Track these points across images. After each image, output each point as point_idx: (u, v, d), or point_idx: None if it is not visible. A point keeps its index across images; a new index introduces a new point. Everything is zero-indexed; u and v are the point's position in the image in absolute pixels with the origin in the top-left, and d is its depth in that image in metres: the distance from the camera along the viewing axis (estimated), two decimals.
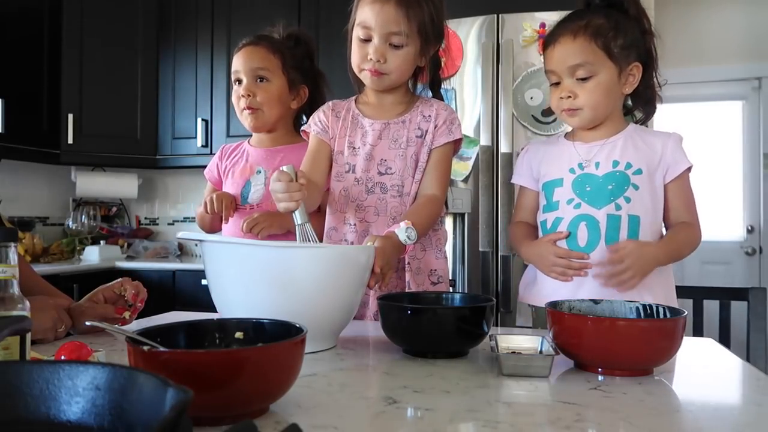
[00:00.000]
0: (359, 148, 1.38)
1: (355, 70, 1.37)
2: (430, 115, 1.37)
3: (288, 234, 1.42)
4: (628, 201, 1.27)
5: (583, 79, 1.27)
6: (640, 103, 1.36)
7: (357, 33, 1.33)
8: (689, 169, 1.30)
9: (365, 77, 1.35)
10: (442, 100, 1.45)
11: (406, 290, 1.33)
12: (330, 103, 1.46)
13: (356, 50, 1.34)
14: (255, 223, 1.41)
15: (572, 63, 1.26)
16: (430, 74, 1.45)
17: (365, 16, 1.30)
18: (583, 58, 1.26)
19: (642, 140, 1.31)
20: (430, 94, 1.47)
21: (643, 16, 1.31)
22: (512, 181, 1.49)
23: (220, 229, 1.59)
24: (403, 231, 1.21)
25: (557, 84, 1.31)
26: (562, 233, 1.28)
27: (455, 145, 1.40)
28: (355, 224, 1.37)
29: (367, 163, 1.36)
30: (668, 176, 1.29)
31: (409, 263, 1.34)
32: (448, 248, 1.65)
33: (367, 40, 1.31)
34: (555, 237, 1.28)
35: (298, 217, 1.16)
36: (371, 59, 1.31)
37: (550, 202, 1.35)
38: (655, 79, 1.34)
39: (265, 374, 0.65)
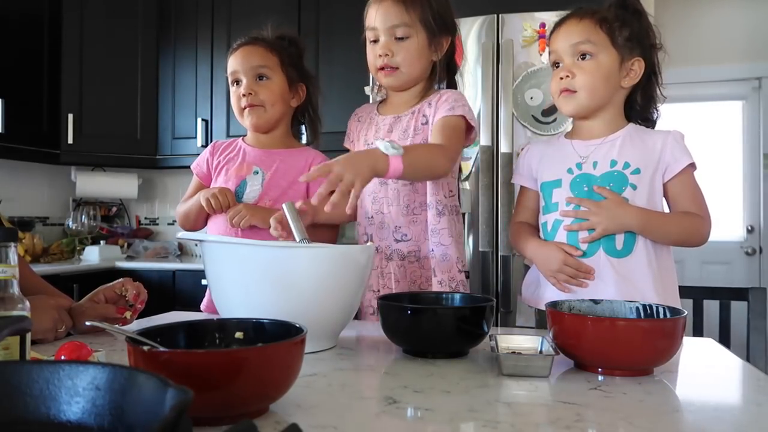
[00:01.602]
0: (372, 144, 1.41)
1: (372, 73, 1.42)
2: (433, 101, 1.38)
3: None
4: (626, 201, 1.27)
5: (584, 58, 1.27)
6: (637, 118, 1.36)
7: (367, 38, 1.40)
8: (693, 165, 1.28)
9: (381, 78, 1.40)
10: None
11: (433, 278, 1.36)
12: (356, 110, 1.55)
13: (369, 54, 1.41)
14: (237, 213, 1.41)
15: (575, 41, 1.28)
16: (444, 71, 1.46)
17: (369, 19, 1.37)
18: (585, 37, 1.27)
19: (641, 139, 1.30)
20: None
21: (652, 32, 1.32)
22: (512, 181, 1.49)
23: (202, 227, 1.56)
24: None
25: (558, 66, 1.32)
26: (577, 251, 1.28)
27: (468, 128, 1.36)
28: (372, 216, 1.41)
29: None
30: (668, 174, 1.28)
31: (432, 250, 1.36)
32: None
33: (376, 41, 1.38)
34: (569, 250, 1.28)
35: (296, 235, 1.20)
36: (380, 56, 1.35)
37: (549, 204, 1.35)
38: (657, 93, 1.34)
39: (265, 374, 0.65)
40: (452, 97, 1.36)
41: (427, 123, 1.37)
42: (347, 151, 1.50)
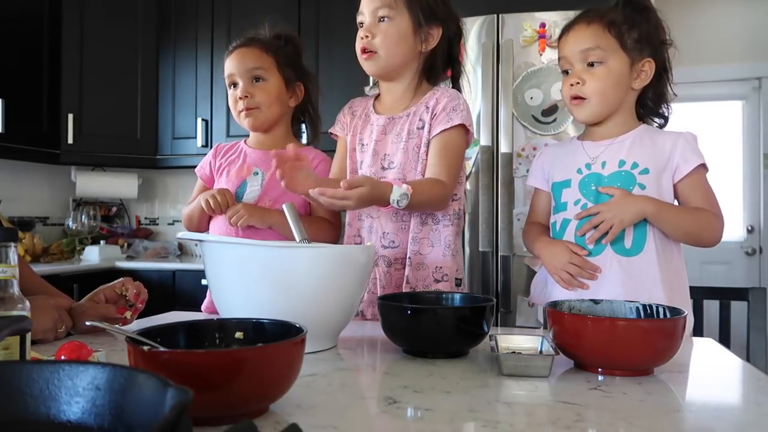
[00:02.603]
0: (367, 144, 1.40)
1: (359, 58, 1.39)
2: (430, 105, 1.35)
3: (269, 229, 1.43)
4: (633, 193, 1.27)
5: (593, 65, 1.27)
6: (649, 114, 1.36)
7: (358, 24, 1.38)
8: (704, 166, 1.28)
9: (363, 64, 1.37)
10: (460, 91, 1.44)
11: (404, 285, 1.34)
12: (350, 101, 1.51)
13: (357, 40, 1.38)
14: (236, 212, 1.41)
15: (584, 47, 1.27)
16: (450, 68, 1.45)
17: (360, 6, 1.36)
18: (595, 43, 1.26)
19: (651, 139, 1.30)
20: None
21: (661, 28, 1.32)
22: (527, 183, 1.50)
23: (206, 229, 1.56)
24: (398, 192, 1.19)
25: (568, 73, 1.31)
26: (584, 250, 1.27)
27: (466, 135, 1.35)
28: (364, 219, 1.40)
29: (372, 158, 1.38)
30: (677, 175, 1.28)
31: (409, 258, 1.34)
32: None
33: (362, 26, 1.37)
34: (576, 249, 1.28)
35: (296, 236, 1.19)
36: (362, 38, 1.34)
37: (558, 204, 1.35)
38: (668, 90, 1.34)
39: (265, 374, 0.65)
40: (450, 104, 1.33)
41: (423, 128, 1.34)
42: (333, 139, 1.49)
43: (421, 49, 1.36)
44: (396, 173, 1.35)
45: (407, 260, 1.34)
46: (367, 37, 1.33)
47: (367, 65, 1.36)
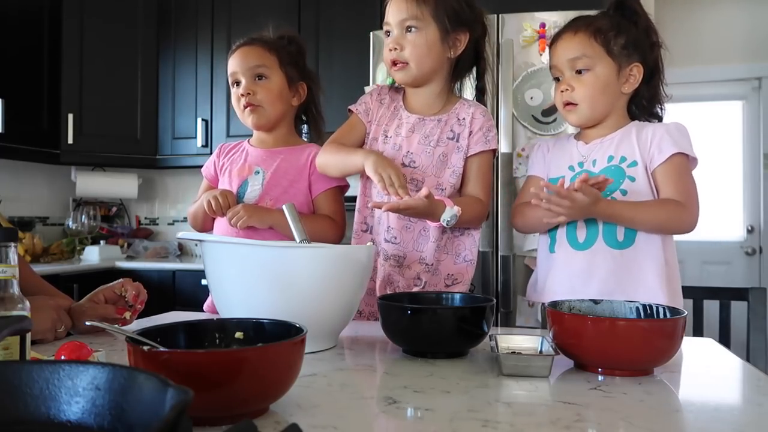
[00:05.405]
0: (391, 137, 1.41)
1: (387, 68, 1.41)
2: (464, 119, 1.38)
3: (270, 230, 1.43)
4: (625, 194, 1.27)
5: (581, 73, 1.29)
6: (644, 114, 1.36)
7: (384, 33, 1.39)
8: (683, 155, 1.26)
9: (393, 74, 1.39)
10: (484, 103, 1.46)
11: (420, 285, 1.36)
12: (380, 87, 1.51)
13: (384, 49, 1.39)
14: (235, 214, 1.42)
15: (571, 56, 1.30)
16: (475, 77, 1.46)
17: (386, 16, 1.38)
18: (581, 52, 1.29)
19: (637, 133, 1.31)
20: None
21: (652, 30, 1.33)
22: (528, 174, 1.48)
23: (211, 229, 1.56)
24: (449, 212, 1.25)
25: (559, 80, 1.34)
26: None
27: (493, 154, 1.42)
28: (375, 210, 1.41)
29: (394, 153, 1.39)
30: (653, 163, 1.28)
31: (431, 264, 1.37)
32: None
33: (389, 36, 1.38)
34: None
35: (296, 236, 1.20)
36: (390, 49, 1.36)
37: None
38: (661, 90, 1.35)
39: (265, 374, 0.65)
40: (486, 123, 1.38)
41: (454, 138, 1.37)
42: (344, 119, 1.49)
43: (449, 56, 1.38)
44: (415, 173, 1.36)
45: (427, 266, 1.36)
46: (396, 49, 1.35)
47: (398, 75, 1.38)
